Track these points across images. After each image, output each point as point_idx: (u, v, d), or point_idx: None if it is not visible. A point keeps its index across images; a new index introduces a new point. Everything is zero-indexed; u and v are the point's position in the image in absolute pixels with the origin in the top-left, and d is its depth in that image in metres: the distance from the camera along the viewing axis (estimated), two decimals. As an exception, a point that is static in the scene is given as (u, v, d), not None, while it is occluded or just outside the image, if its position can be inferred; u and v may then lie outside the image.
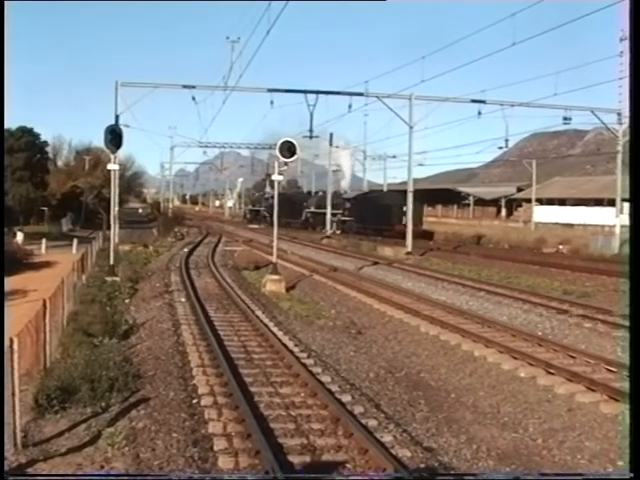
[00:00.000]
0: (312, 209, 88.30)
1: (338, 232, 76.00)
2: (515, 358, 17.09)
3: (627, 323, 21.24)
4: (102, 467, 9.76)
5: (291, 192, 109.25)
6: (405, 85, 50.04)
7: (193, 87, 47.57)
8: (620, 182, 54.93)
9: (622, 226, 54.84)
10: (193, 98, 48.99)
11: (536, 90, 55.49)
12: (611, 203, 58.35)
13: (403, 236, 57.50)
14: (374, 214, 71.77)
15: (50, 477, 9.48)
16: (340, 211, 78.45)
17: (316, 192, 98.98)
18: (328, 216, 78.35)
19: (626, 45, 51.71)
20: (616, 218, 54.35)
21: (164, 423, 11.62)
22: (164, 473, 9.59)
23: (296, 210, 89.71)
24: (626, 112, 53.37)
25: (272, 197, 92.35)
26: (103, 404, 12.43)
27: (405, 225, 61.72)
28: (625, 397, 10.10)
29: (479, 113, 51.36)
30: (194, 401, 12.88)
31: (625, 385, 14.56)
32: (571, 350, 17.76)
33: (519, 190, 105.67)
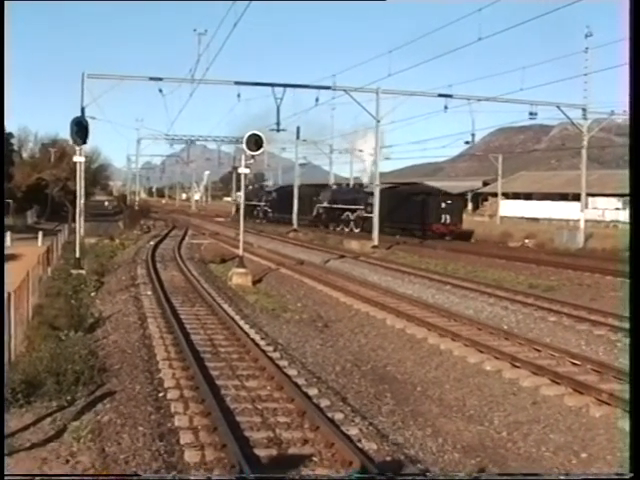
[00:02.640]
0: (325, 204, 77.93)
1: (357, 231, 67.94)
2: (481, 352, 17.19)
3: (621, 324, 21.51)
4: (67, 461, 9.72)
5: (301, 186, 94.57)
6: (372, 79, 49.99)
7: (160, 79, 47.34)
8: (585, 177, 55.36)
9: (587, 220, 55.34)
10: (160, 90, 48.75)
11: (502, 85, 55.99)
12: (576, 198, 58.81)
13: (442, 237, 57.54)
14: (405, 211, 63.07)
15: (50, 477, 9.47)
16: (361, 207, 69.00)
17: (329, 184, 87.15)
18: (294, 208, 77.77)
19: (591, 41, 52.19)
20: (581, 212, 54.82)
21: (130, 417, 11.59)
22: (164, 474, 9.57)
23: (305, 205, 78.44)
24: (591, 108, 53.78)
25: (276, 191, 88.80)
26: (69, 398, 12.37)
27: (445, 224, 60.26)
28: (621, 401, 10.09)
29: (445, 107, 51.58)
30: (160, 394, 12.85)
31: (588, 378, 14.72)
32: (536, 343, 17.90)
33: (485, 184, 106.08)
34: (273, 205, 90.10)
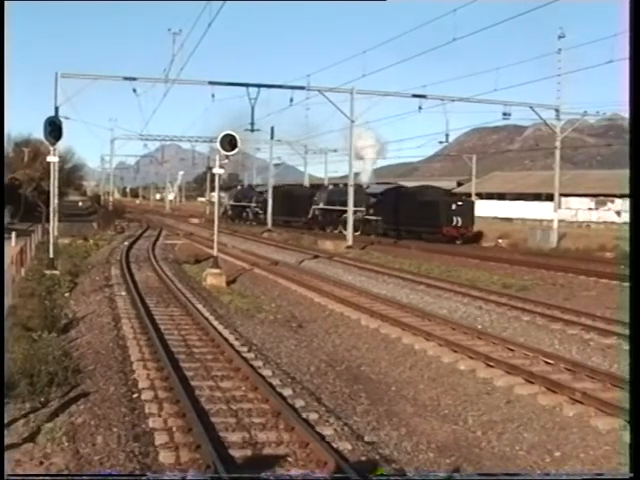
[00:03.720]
0: (321, 205, 75.11)
1: (356, 234, 62.46)
2: (455, 351, 17.25)
3: (594, 323, 21.65)
4: (41, 463, 9.68)
5: (294, 185, 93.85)
6: (347, 79, 50.13)
7: (134, 79, 47.20)
8: (558, 177, 55.71)
9: (560, 220, 55.65)
10: (134, 90, 48.58)
11: (476, 86, 55.99)
12: (549, 198, 59.14)
13: (453, 240, 55.62)
14: (412, 213, 59.84)
15: (50, 477, 9.43)
16: (362, 208, 65.96)
17: (325, 185, 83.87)
18: (269, 209, 77.42)
19: (564, 43, 52.48)
20: (554, 212, 55.18)
21: (104, 418, 11.56)
22: (166, 474, 9.56)
23: (300, 207, 77.37)
24: (563, 109, 54.10)
25: (267, 192, 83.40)
26: (42, 399, 12.33)
27: (457, 227, 57.44)
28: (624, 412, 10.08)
29: (420, 108, 51.77)
30: (134, 395, 12.83)
31: (562, 377, 14.80)
32: (510, 343, 17.98)
33: (459, 184, 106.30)
34: (264, 207, 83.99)
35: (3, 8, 7.89)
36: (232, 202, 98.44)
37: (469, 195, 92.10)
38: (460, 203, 60.07)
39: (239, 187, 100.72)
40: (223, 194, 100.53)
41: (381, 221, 65.02)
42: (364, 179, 77.13)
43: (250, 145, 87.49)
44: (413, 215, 59.50)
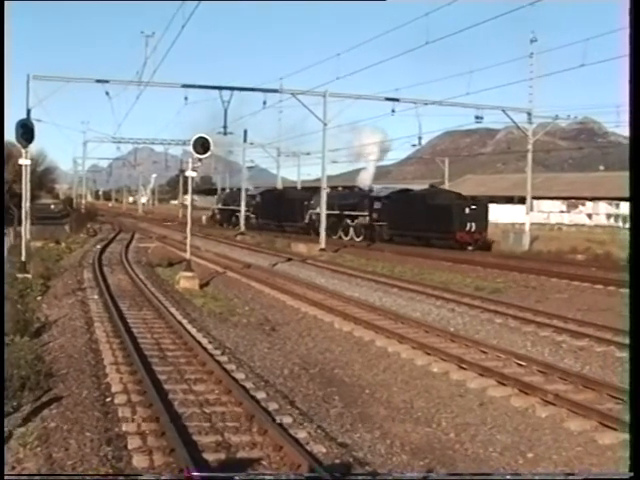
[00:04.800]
0: (318, 210, 64.53)
1: (358, 240, 62.57)
2: (428, 354, 17.30)
3: (566, 325, 21.78)
4: (13, 468, 9.63)
5: (288, 188, 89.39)
6: (320, 82, 50.21)
7: (106, 82, 47.13)
8: (530, 180, 56.03)
9: (532, 223, 55.95)
10: (107, 93, 48.51)
11: (449, 89, 56.22)
12: (521, 201, 59.39)
13: (465, 247, 52.98)
14: (421, 218, 56.21)
15: (50, 477, 9.39)
16: (365, 213, 63.28)
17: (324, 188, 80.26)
18: (242, 212, 77.16)
19: (535, 47, 52.80)
20: (526, 215, 55.46)
21: (77, 422, 11.51)
22: (165, 474, 9.54)
23: (295, 211, 72.57)
24: (535, 112, 54.44)
25: (260, 194, 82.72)
26: (14, 404, 12.24)
27: (471, 232, 54.24)
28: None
29: (393, 111, 51.94)
30: (107, 399, 12.78)
31: (534, 379, 14.88)
32: (483, 345, 18.06)
33: (432, 187, 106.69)
34: (257, 211, 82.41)
35: (3, 8, 7.87)
36: (220, 206, 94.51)
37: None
38: (474, 207, 56.36)
39: (227, 190, 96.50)
40: (196, 197, 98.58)
41: (386, 226, 60.95)
42: (366, 181, 73.41)
43: (223, 148, 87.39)
44: (423, 220, 56.10)
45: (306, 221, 71.81)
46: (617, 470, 9.97)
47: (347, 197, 68.59)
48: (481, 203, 57.80)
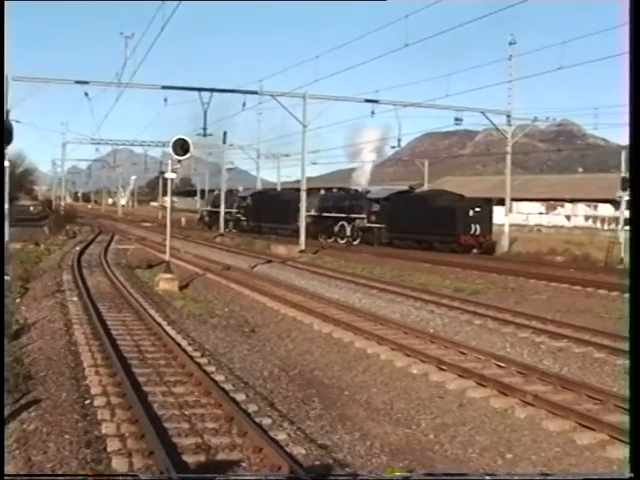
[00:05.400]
0: (313, 212, 67.12)
1: (355, 243, 61.39)
2: (408, 355, 17.33)
3: (544, 326, 21.87)
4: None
5: (280, 190, 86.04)
6: (299, 84, 50.28)
7: (86, 83, 47.04)
8: (509, 182, 56.26)
9: (511, 224, 56.15)
10: (86, 94, 48.45)
11: (428, 91, 56.41)
12: (500, 202, 59.60)
13: (469, 250, 51.65)
14: (423, 220, 54.44)
15: (50, 477, 9.36)
16: (362, 215, 61.72)
17: (317, 189, 75.38)
18: (221, 214, 76.90)
19: (514, 49, 53.05)
20: (505, 217, 55.65)
21: (56, 425, 11.47)
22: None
23: (288, 213, 68.07)
24: (514, 114, 54.69)
25: (251, 196, 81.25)
26: (-8, 406, 12.20)
27: (475, 235, 52.93)
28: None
29: (372, 113, 52.07)
30: (87, 402, 12.74)
31: (513, 380, 14.93)
32: (462, 346, 18.10)
33: (411, 189, 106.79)
34: (248, 213, 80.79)
35: (3, 8, 7.86)
36: (209, 208, 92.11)
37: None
38: (478, 209, 54.64)
39: (216, 192, 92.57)
40: (175, 198, 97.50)
41: (385, 229, 59.44)
42: (362, 182, 72.10)
43: (202, 149, 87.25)
44: (424, 223, 54.32)
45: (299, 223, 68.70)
46: (618, 470, 10.00)
47: (343, 199, 67.26)
48: (485, 205, 56.41)
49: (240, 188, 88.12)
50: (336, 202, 66.26)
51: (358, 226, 62.18)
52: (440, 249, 51.63)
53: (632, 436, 6.38)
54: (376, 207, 60.85)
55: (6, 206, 37.99)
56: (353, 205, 63.43)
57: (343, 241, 62.83)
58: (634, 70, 6.24)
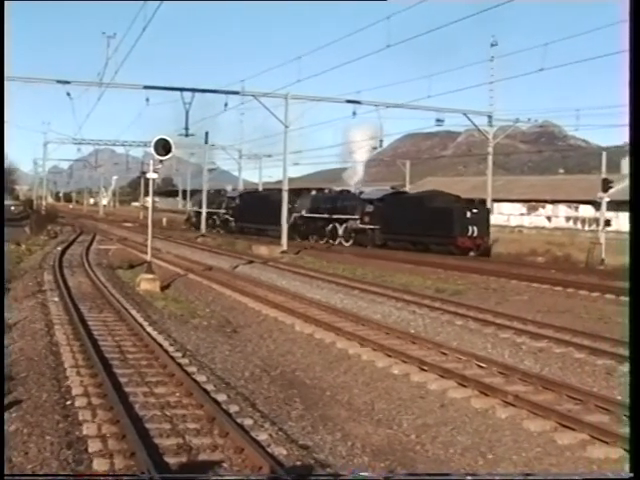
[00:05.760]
0: (304, 213, 67.00)
1: (347, 244, 60.09)
2: (389, 356, 17.36)
3: (525, 327, 21.94)
4: None
5: (270, 190, 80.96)
6: (281, 84, 50.28)
7: (68, 82, 46.86)
8: (490, 183, 56.42)
9: (492, 225, 56.26)
10: (68, 94, 48.30)
11: (410, 92, 56.51)
12: (482, 203, 59.66)
13: (466, 253, 50.56)
14: (418, 222, 53.02)
15: (50, 477, 9.32)
16: (354, 216, 60.37)
17: (308, 190, 73.55)
18: (203, 214, 76.73)
19: (497, 50, 53.27)
20: (487, 217, 55.67)
21: (37, 426, 11.44)
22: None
23: (279, 214, 60.83)
24: (496, 115, 54.87)
25: (240, 197, 79.47)
26: (-27, 407, 12.16)
27: (472, 237, 51.68)
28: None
29: (354, 113, 52.12)
30: (68, 402, 12.71)
31: (494, 381, 14.97)
32: (443, 347, 18.14)
33: (393, 188, 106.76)
34: (237, 213, 79.11)
35: (3, 8, 7.84)
36: (197, 208, 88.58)
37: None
38: (476, 210, 53.67)
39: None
40: (157, 199, 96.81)
41: (379, 230, 57.95)
42: (353, 182, 70.88)
43: (184, 150, 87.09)
44: (420, 224, 52.88)
45: (289, 224, 63.57)
46: (618, 470, 10.02)
47: (335, 199, 65.67)
48: (483, 206, 55.56)
49: (229, 188, 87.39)
50: (328, 203, 65.03)
51: (351, 227, 61.06)
52: (436, 251, 50.40)
53: (632, 436, 6.40)
54: (370, 208, 59.60)
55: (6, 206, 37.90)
56: (346, 206, 62.29)
57: (335, 242, 61.88)
58: (634, 70, 6.25)
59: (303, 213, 67.22)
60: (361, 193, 63.66)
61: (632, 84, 6.23)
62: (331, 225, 63.32)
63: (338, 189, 70.66)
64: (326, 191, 71.62)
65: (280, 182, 60.62)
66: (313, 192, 70.95)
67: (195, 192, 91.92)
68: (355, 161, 74.47)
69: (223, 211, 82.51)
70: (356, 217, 60.27)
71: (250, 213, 74.15)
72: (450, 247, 50.96)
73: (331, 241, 62.43)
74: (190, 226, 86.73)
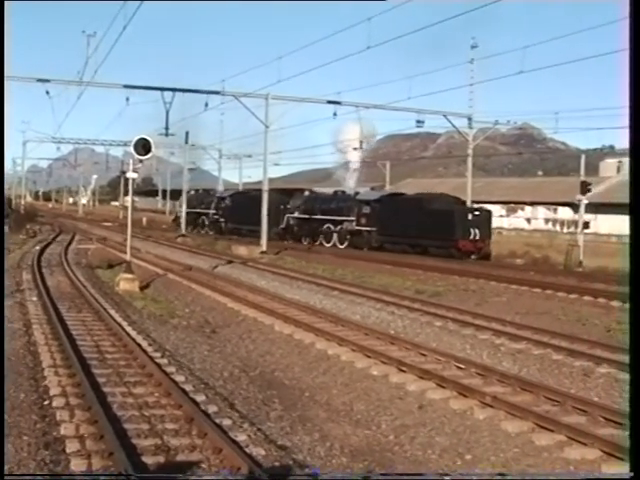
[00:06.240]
0: (297, 214, 65.37)
1: (342, 247, 58.54)
2: (368, 356, 17.37)
3: (504, 328, 22.00)
4: None
5: (262, 191, 78.45)
6: (262, 85, 50.28)
7: (47, 81, 46.71)
8: (470, 184, 56.57)
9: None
10: (47, 92, 48.11)
11: (391, 93, 56.63)
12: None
13: (468, 256, 49.02)
14: (417, 224, 51.37)
15: (50, 477, 9.28)
16: (350, 218, 58.75)
17: (301, 190, 72.42)
18: (183, 213, 76.46)
19: (477, 52, 53.47)
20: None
21: (14, 426, 11.38)
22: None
23: (270, 215, 59.78)
24: (476, 117, 55.07)
25: (230, 197, 77.08)
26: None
27: (474, 240, 50.14)
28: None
29: (335, 114, 52.17)
30: (45, 402, 12.66)
31: (473, 382, 15.01)
32: (422, 348, 18.17)
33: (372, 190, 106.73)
34: (227, 214, 76.37)
35: (3, 8, 7.81)
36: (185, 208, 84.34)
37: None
38: (477, 213, 52.36)
39: (192, 192, 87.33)
40: (137, 198, 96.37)
41: (376, 232, 56.15)
42: (350, 183, 67.85)
43: (165, 149, 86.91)
44: (419, 226, 51.25)
45: (282, 226, 66.63)
46: (619, 470, 10.05)
47: (330, 200, 63.82)
48: (484, 208, 54.66)
49: (220, 188, 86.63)
50: (322, 204, 63.42)
51: (346, 229, 59.40)
52: (436, 254, 48.96)
53: (632, 436, 6.42)
54: (367, 209, 57.79)
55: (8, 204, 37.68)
56: (341, 207, 60.68)
57: (329, 245, 60.24)
58: (634, 70, 6.25)
59: (296, 214, 65.72)
60: (357, 194, 61.98)
61: (632, 84, 6.24)
62: (325, 227, 61.91)
63: (332, 190, 68.30)
64: (320, 192, 70.29)
65: (260, 182, 60.60)
66: (307, 193, 70.09)
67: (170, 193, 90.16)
68: (337, 162, 73.62)
69: (213, 211, 79.98)
70: (352, 219, 58.79)
71: (241, 214, 71.71)
72: (451, 250, 49.58)
73: (325, 243, 61.17)
74: (176, 227, 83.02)
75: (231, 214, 75.45)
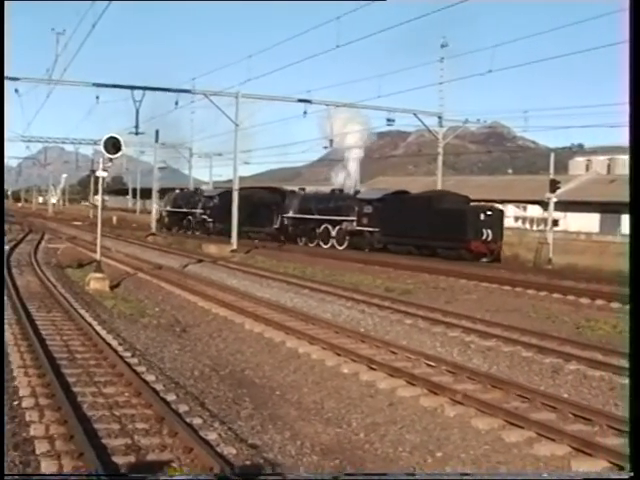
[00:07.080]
0: (291, 214, 62.85)
1: (340, 248, 56.24)
2: (339, 355, 17.39)
3: (474, 325, 22.07)
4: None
5: (255, 189, 73.79)
6: (232, 83, 50.31)
7: (16, 79, 46.35)
8: (440, 182, 56.78)
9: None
10: (16, 90, 47.85)
11: (361, 92, 56.67)
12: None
13: (479, 258, 46.96)
14: (425, 224, 48.60)
15: (50, 477, 9.30)
16: (350, 218, 56.13)
17: (295, 189, 69.66)
18: (153, 212, 76.27)
19: (447, 51, 53.71)
20: (437, 217, 55.81)
21: (-17, 426, 11.32)
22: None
23: (263, 215, 64.40)
24: (446, 116, 55.29)
25: (219, 196, 74.03)
26: None
27: (486, 242, 47.42)
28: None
29: (305, 113, 52.22)
30: (15, 403, 12.59)
31: (443, 379, 15.06)
32: (393, 346, 18.21)
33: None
34: (214, 214, 73.60)
35: (3, 8, 7.76)
36: (169, 208, 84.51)
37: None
38: (489, 213, 49.38)
39: (177, 190, 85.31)
40: (107, 197, 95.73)
41: (379, 233, 53.47)
42: (349, 181, 62.80)
43: (135, 148, 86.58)
44: (426, 227, 48.60)
45: (276, 226, 64.51)
46: (619, 470, 10.09)
47: (328, 199, 60.89)
48: (496, 207, 52.67)
49: (210, 187, 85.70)
50: (320, 203, 60.77)
51: (346, 229, 56.87)
52: (445, 256, 46.73)
53: (632, 436, 6.44)
54: (368, 209, 54.95)
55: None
56: (340, 206, 57.90)
57: (327, 246, 57.96)
58: (634, 69, 6.26)
59: (291, 214, 63.17)
60: (357, 193, 59.14)
61: (632, 84, 6.25)
62: (323, 227, 59.32)
63: (330, 188, 64.76)
64: (316, 191, 68.19)
65: (230, 181, 60.53)
66: (303, 192, 67.42)
67: (167, 191, 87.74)
68: (357, 158, 69.70)
69: (200, 211, 77.42)
70: (352, 218, 56.19)
71: (230, 214, 69.98)
72: (462, 252, 47.05)
73: (322, 244, 59.00)
74: (162, 227, 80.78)
75: (220, 214, 70.80)
